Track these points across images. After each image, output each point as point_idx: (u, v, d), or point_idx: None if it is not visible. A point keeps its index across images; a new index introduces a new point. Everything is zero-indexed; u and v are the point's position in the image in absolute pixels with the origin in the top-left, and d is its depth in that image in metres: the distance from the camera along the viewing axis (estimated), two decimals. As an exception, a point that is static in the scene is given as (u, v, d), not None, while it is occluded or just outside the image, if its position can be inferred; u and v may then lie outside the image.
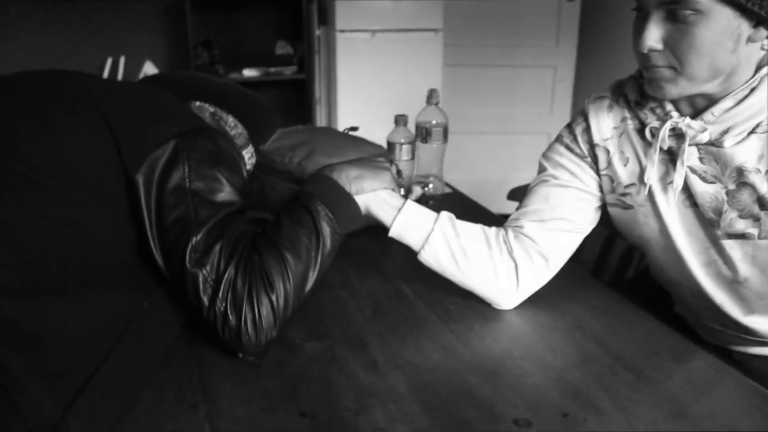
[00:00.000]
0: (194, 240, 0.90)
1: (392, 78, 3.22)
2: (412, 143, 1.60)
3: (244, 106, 1.24)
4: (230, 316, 0.90)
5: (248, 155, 1.23)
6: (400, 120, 1.58)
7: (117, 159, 0.90)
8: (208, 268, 0.90)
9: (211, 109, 1.19)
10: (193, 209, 0.92)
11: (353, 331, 1.04)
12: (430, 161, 1.65)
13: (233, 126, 1.20)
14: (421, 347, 1.00)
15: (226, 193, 0.96)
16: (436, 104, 1.62)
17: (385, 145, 1.54)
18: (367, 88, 3.25)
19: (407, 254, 1.12)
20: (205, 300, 0.90)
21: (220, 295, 0.90)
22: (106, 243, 0.90)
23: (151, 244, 0.91)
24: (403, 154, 1.57)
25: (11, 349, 0.75)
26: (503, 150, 3.82)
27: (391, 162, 1.39)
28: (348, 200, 1.05)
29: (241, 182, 1.00)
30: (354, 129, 1.50)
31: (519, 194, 2.15)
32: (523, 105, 3.82)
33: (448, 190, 1.73)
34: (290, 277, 0.93)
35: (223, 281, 0.90)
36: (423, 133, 1.62)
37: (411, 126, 1.64)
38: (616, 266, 1.56)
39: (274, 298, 0.91)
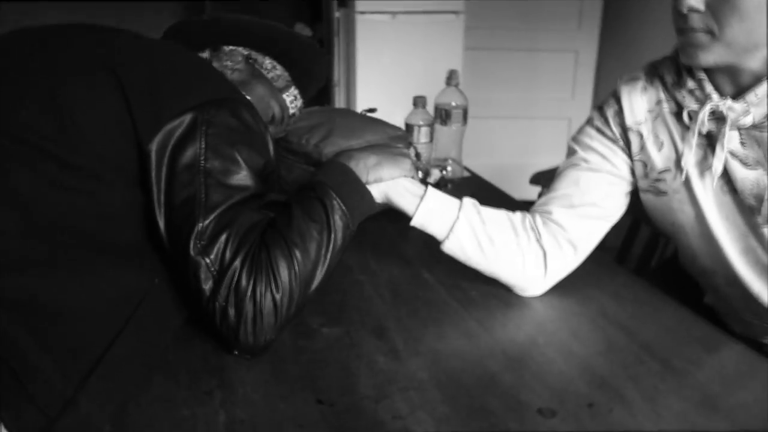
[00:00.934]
0: (200, 225, 0.84)
1: (412, 61, 3.17)
2: (431, 125, 1.57)
3: (283, 45, 1.19)
4: (230, 312, 0.84)
5: (290, 98, 1.20)
6: (419, 102, 1.54)
7: (130, 127, 0.86)
8: (212, 257, 0.84)
9: (245, 52, 1.16)
10: (204, 191, 0.86)
11: (372, 317, 1.01)
12: (448, 144, 1.62)
13: (270, 68, 1.17)
14: (442, 334, 0.97)
15: (242, 176, 0.89)
16: (456, 85, 1.58)
17: (403, 127, 1.51)
18: (387, 71, 3.21)
19: (427, 238, 1.09)
20: (206, 290, 0.84)
21: (222, 288, 0.84)
22: (117, 215, 0.87)
23: (158, 220, 0.87)
24: (421, 136, 1.54)
25: (21, 326, 0.73)
26: (524, 135, 3.77)
27: (410, 145, 1.36)
28: (363, 193, 0.99)
29: (262, 163, 0.93)
30: (372, 111, 1.47)
31: (542, 179, 2.12)
32: (545, 90, 3.77)
33: (466, 173, 1.70)
34: (297, 275, 0.86)
35: (227, 274, 0.83)
36: (442, 115, 1.58)
37: (430, 108, 1.61)
38: (641, 254, 1.53)
39: (278, 296, 0.85)
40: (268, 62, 1.16)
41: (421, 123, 1.54)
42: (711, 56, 0.93)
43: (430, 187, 1.07)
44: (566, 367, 0.90)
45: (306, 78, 1.22)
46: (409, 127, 1.54)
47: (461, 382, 0.86)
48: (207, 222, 0.85)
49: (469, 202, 1.09)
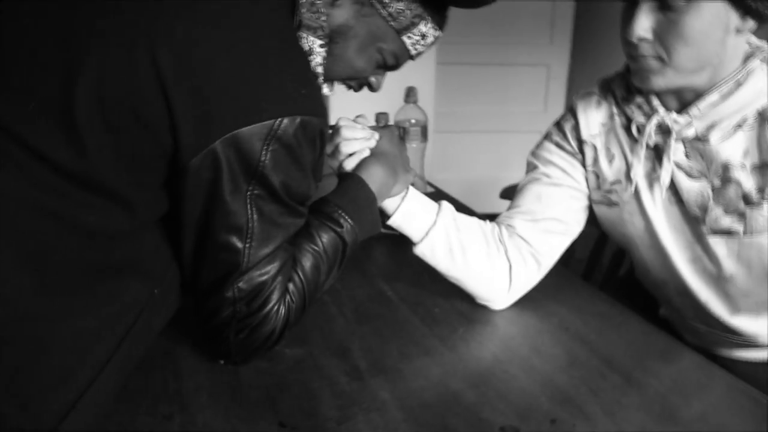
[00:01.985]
0: (243, 266, 0.81)
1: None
2: None
3: None
4: (237, 338, 0.85)
5: (415, 38, 0.97)
6: (381, 118, 1.55)
7: (170, 140, 0.75)
8: (244, 299, 0.82)
9: None
10: (253, 228, 0.80)
11: (335, 337, 1.01)
12: (411, 161, 1.62)
13: (390, 1, 0.93)
14: (404, 352, 0.97)
15: (291, 213, 0.84)
16: (415, 102, 1.59)
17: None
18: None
19: (389, 254, 1.10)
20: (220, 322, 0.84)
21: (241, 325, 0.84)
22: (130, 226, 0.78)
23: (184, 239, 0.81)
24: None
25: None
26: (497, 148, 3.80)
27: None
28: (376, 219, 0.98)
29: (309, 196, 0.86)
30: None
31: (512, 193, 2.12)
32: (517, 103, 3.80)
33: (430, 189, 1.70)
34: (305, 310, 0.89)
35: (254, 317, 0.83)
36: (401, 133, 1.59)
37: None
38: (608, 265, 1.54)
39: (285, 331, 0.87)
40: None
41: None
42: (663, 80, 0.96)
43: (411, 188, 1.07)
44: (528, 384, 0.90)
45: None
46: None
47: (423, 401, 0.86)
48: (251, 266, 0.81)
49: (447, 207, 1.09)
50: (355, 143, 1.01)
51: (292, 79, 0.80)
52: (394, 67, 1.02)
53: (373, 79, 1.03)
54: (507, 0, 3.56)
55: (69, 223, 0.72)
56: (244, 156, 0.76)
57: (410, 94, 1.59)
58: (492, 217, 1.17)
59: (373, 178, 0.98)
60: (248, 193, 0.78)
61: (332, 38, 0.93)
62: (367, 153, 1.02)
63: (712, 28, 0.91)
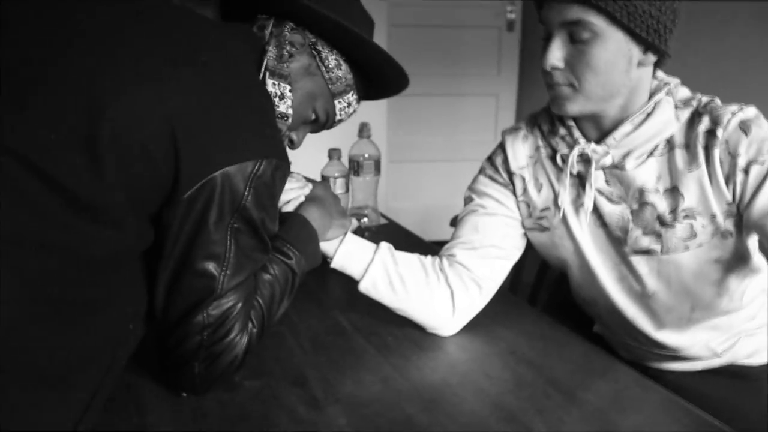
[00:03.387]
0: (217, 293, 0.87)
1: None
2: (346, 176, 1.63)
3: (359, 54, 1.06)
4: (200, 369, 0.90)
5: (344, 104, 1.10)
6: (333, 154, 1.61)
7: (172, 175, 0.82)
8: (212, 326, 0.88)
9: (312, 39, 1.04)
10: (230, 258, 0.87)
11: (293, 367, 1.05)
12: (364, 193, 1.68)
13: (333, 66, 1.06)
14: (360, 380, 1.01)
15: (261, 248, 0.93)
16: (368, 137, 1.66)
17: (319, 179, 1.56)
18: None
19: (344, 286, 1.15)
20: (188, 350, 0.88)
21: (205, 353, 0.89)
22: (114, 256, 0.83)
23: (159, 268, 0.87)
24: (337, 187, 1.60)
25: None
26: (449, 177, 3.87)
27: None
28: (317, 252, 1.08)
29: (274, 232, 0.97)
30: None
31: (461, 221, 2.20)
32: (468, 132, 3.90)
33: (383, 221, 1.76)
34: (262, 336, 0.95)
35: (219, 345, 0.89)
36: (355, 167, 1.65)
37: (345, 160, 1.67)
38: (551, 288, 1.61)
39: (245, 358, 0.93)
40: (332, 59, 1.05)
41: (336, 174, 1.61)
42: (575, 106, 1.04)
43: (348, 232, 1.15)
44: (478, 406, 0.95)
45: (374, 91, 1.14)
46: (325, 179, 1.60)
47: (379, 425, 0.90)
48: (223, 293, 0.87)
49: (384, 245, 1.17)
50: (291, 192, 1.12)
51: (267, 125, 0.93)
52: (323, 126, 1.14)
53: (294, 136, 1.13)
54: (455, 31, 3.71)
55: (70, 256, 0.77)
56: (231, 192, 0.85)
57: (364, 130, 1.66)
58: (445, 244, 1.23)
59: (312, 216, 1.08)
60: (229, 225, 0.87)
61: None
62: (302, 199, 1.13)
63: (617, 59, 1.00)
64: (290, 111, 1.05)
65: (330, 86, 1.07)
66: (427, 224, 3.74)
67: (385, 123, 3.48)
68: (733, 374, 1.21)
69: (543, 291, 1.64)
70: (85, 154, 0.77)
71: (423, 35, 3.69)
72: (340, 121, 1.14)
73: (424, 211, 3.84)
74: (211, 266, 0.86)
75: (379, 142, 3.59)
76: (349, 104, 1.11)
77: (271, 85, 1.02)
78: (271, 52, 1.03)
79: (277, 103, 1.03)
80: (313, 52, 1.05)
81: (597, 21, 0.97)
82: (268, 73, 1.02)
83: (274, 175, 0.89)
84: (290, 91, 1.04)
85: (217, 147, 0.84)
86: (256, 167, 0.86)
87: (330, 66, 1.06)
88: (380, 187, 1.72)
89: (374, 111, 3.44)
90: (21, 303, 0.73)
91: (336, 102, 1.09)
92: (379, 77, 1.11)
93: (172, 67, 0.84)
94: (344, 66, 1.07)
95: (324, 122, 1.13)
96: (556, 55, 1.01)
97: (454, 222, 2.17)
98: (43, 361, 0.75)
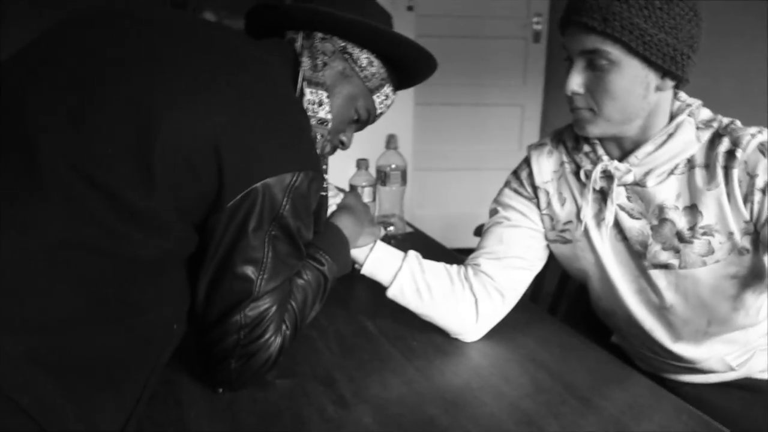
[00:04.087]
0: (255, 295, 0.93)
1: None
2: (373, 186, 1.69)
3: (385, 46, 1.11)
4: (237, 365, 0.95)
5: (381, 98, 1.16)
6: (361, 164, 1.67)
7: (216, 187, 0.88)
8: (249, 325, 0.93)
9: (341, 43, 1.10)
10: (268, 263, 0.93)
11: (322, 368, 1.10)
12: (391, 202, 1.74)
13: (366, 65, 1.11)
14: (385, 382, 1.07)
15: (298, 255, 0.99)
16: (395, 149, 1.71)
17: (347, 188, 1.62)
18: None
19: (371, 292, 1.20)
20: (225, 347, 0.94)
21: (243, 352, 0.95)
22: (163, 261, 0.89)
23: (201, 272, 0.93)
24: (364, 196, 1.66)
25: (59, 391, 0.76)
26: (473, 185, 3.91)
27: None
28: (348, 259, 1.14)
29: (309, 239, 1.02)
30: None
31: (484, 231, 2.24)
32: (493, 142, 3.93)
33: (409, 229, 1.81)
34: (295, 338, 1.01)
35: (255, 344, 0.94)
36: (382, 177, 1.71)
37: (372, 170, 1.73)
38: (571, 298, 1.65)
39: (280, 358, 0.98)
40: (364, 58, 1.10)
41: (363, 184, 1.66)
42: (596, 129, 1.10)
43: (378, 240, 1.21)
44: (497, 409, 1.00)
45: (406, 79, 1.19)
46: (353, 188, 1.66)
47: (402, 425, 0.95)
48: (260, 296, 0.93)
49: (412, 254, 1.22)
50: None
51: (304, 139, 0.98)
52: (366, 122, 1.18)
53: (344, 138, 1.18)
54: (482, 42, 3.75)
55: (122, 261, 0.83)
56: (271, 201, 0.90)
57: (391, 141, 1.71)
58: (469, 252, 1.28)
59: (344, 224, 1.16)
60: (268, 233, 0.92)
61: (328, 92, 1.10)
62: (334, 208, 1.19)
63: (633, 86, 1.05)
64: (329, 116, 1.09)
65: (367, 84, 1.13)
66: (451, 232, 3.78)
67: (411, 132, 3.53)
68: (748, 388, 1.24)
69: (563, 301, 1.68)
70: (139, 167, 0.83)
71: (450, 46, 3.73)
72: (381, 114, 1.19)
73: (449, 219, 3.89)
74: (250, 270, 0.92)
75: (404, 151, 3.63)
76: (387, 96, 1.17)
77: (309, 94, 1.07)
78: (306, 63, 1.08)
79: (316, 110, 1.08)
80: (345, 55, 1.10)
81: (614, 50, 1.02)
82: (305, 83, 1.07)
83: (310, 187, 0.94)
84: (327, 97, 1.09)
85: (257, 160, 0.90)
86: (294, 179, 0.91)
87: (363, 65, 1.11)
88: (406, 195, 1.78)
89: (400, 120, 3.49)
90: (78, 304, 0.80)
91: (374, 97, 1.15)
92: (408, 65, 1.16)
93: (215, 85, 0.89)
94: (376, 62, 1.12)
95: (366, 119, 1.18)
96: (577, 81, 1.06)
97: (479, 232, 2.21)
98: (95, 360, 0.81)
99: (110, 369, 0.83)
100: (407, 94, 3.46)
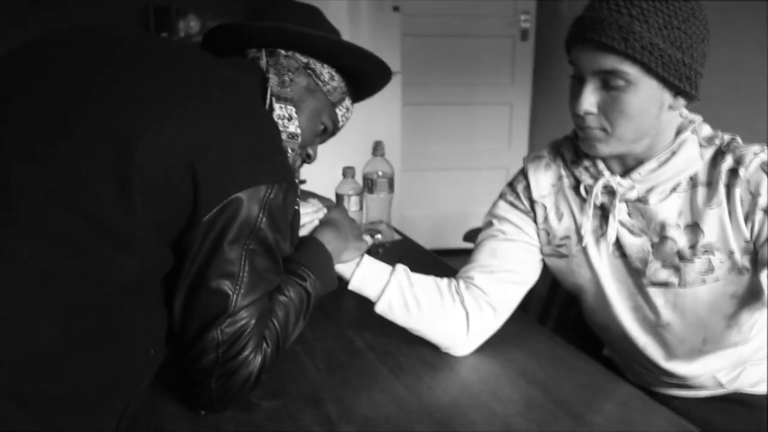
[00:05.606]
0: (231, 310, 0.90)
1: (351, 124, 3.24)
2: (360, 194, 1.66)
3: (348, 60, 1.13)
4: (217, 385, 0.92)
5: (343, 111, 1.18)
6: (347, 172, 1.64)
7: (191, 202, 0.88)
8: (227, 342, 0.91)
9: (303, 60, 1.12)
10: (243, 276, 0.91)
11: (308, 387, 1.08)
12: (378, 210, 1.71)
13: (328, 79, 1.14)
14: (373, 401, 1.04)
15: (275, 269, 0.97)
16: (382, 155, 1.68)
17: (333, 197, 1.59)
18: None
19: (360, 305, 1.18)
20: (204, 365, 0.91)
21: (222, 370, 0.92)
22: (137, 281, 0.87)
23: (177, 288, 0.91)
24: (351, 205, 1.63)
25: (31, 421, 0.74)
26: (463, 185, 3.90)
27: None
28: (332, 275, 1.12)
29: (288, 252, 1.02)
30: (302, 182, 1.55)
31: (474, 236, 2.22)
32: (482, 141, 3.92)
33: (397, 236, 1.79)
34: (278, 356, 0.98)
35: (234, 361, 0.91)
36: (369, 184, 1.68)
37: (359, 178, 1.71)
38: (561, 306, 1.63)
39: (262, 376, 0.95)
40: (326, 73, 1.13)
41: (350, 192, 1.64)
42: (607, 148, 1.07)
43: (365, 255, 1.19)
44: (487, 428, 0.97)
45: (362, 90, 1.22)
46: (339, 197, 1.63)
47: (391, 447, 0.93)
48: (236, 311, 0.91)
49: (400, 267, 1.19)
50: (306, 216, 1.16)
51: (277, 152, 0.98)
52: (330, 135, 1.22)
53: (310, 151, 1.19)
54: (469, 41, 3.73)
55: (100, 285, 0.82)
56: (247, 214, 0.90)
57: (377, 148, 1.68)
58: (460, 253, 1.26)
59: (326, 239, 1.13)
60: (245, 246, 0.91)
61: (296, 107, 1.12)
62: (317, 223, 1.17)
63: (649, 105, 1.02)
64: (299, 130, 1.11)
65: (330, 98, 1.15)
66: (442, 232, 3.77)
67: (399, 133, 3.51)
68: (738, 402, 1.24)
69: (555, 306, 1.66)
70: (116, 187, 0.82)
71: (437, 45, 3.72)
72: (342, 126, 1.22)
73: (440, 220, 3.87)
74: (226, 284, 0.90)
75: (393, 152, 3.61)
76: (348, 109, 1.20)
77: (278, 109, 1.09)
78: (273, 80, 1.10)
79: (286, 125, 1.10)
80: (308, 71, 1.12)
81: (632, 71, 0.99)
82: (274, 99, 1.09)
83: (285, 198, 0.94)
84: (296, 112, 1.11)
85: (232, 174, 0.89)
86: (269, 190, 0.91)
87: (326, 80, 1.13)
88: (395, 196, 1.75)
89: (389, 121, 3.47)
90: (52, 333, 0.78)
91: (337, 110, 1.17)
92: (367, 76, 1.19)
93: (189, 103, 0.90)
94: (336, 76, 1.15)
95: (332, 131, 1.20)
96: (590, 100, 1.03)
97: (469, 237, 2.20)
98: (73, 389, 0.79)
99: (87, 399, 0.81)
100: (395, 95, 3.45)
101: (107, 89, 0.88)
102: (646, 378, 1.27)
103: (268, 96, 1.09)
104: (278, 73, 1.10)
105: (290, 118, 1.10)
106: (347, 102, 1.19)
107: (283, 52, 1.11)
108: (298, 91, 1.12)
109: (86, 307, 0.81)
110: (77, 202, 0.80)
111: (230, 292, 0.90)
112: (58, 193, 0.80)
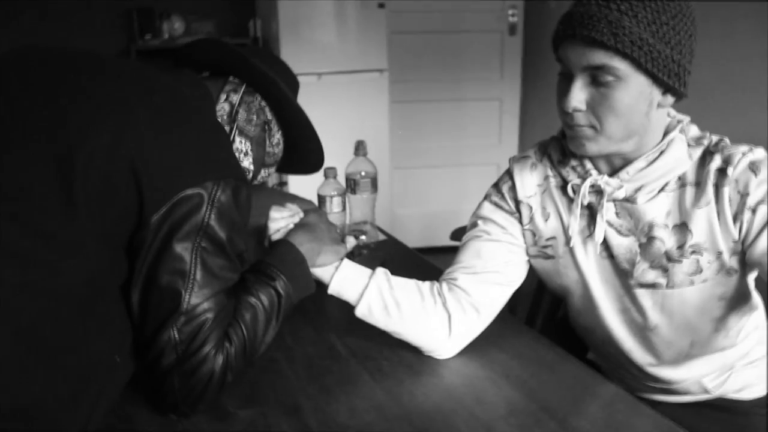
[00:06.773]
0: (184, 308, 0.90)
1: (338, 123, 3.22)
2: (343, 195, 1.63)
3: (298, 131, 1.18)
4: (180, 384, 0.92)
5: (264, 175, 1.21)
6: (329, 173, 1.60)
7: (136, 200, 0.88)
8: (185, 339, 0.91)
9: (269, 117, 1.16)
10: (195, 273, 0.91)
11: (286, 395, 1.05)
12: (362, 211, 1.68)
13: (275, 143, 1.18)
14: (353, 409, 1.02)
15: (230, 266, 0.96)
16: (365, 155, 1.65)
17: (315, 199, 1.56)
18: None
19: (342, 308, 1.16)
20: (165, 365, 0.91)
21: (184, 367, 0.91)
22: (92, 286, 0.86)
23: (132, 288, 0.91)
24: (334, 206, 1.60)
25: None
26: (454, 182, 3.87)
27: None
28: (308, 278, 1.11)
29: (242, 249, 1.00)
30: (282, 184, 1.52)
31: (460, 235, 2.19)
32: (472, 137, 3.89)
33: (382, 237, 1.76)
34: (246, 356, 0.98)
35: (194, 357, 0.91)
36: (352, 185, 1.65)
37: (341, 178, 1.67)
38: (548, 308, 1.61)
39: (228, 375, 0.95)
40: (276, 138, 1.18)
41: (333, 194, 1.60)
42: (596, 147, 1.05)
43: (345, 259, 1.16)
44: (469, 433, 0.95)
45: (287, 167, 1.27)
46: (322, 198, 1.60)
47: (370, 455, 0.90)
48: (191, 308, 0.91)
49: (380, 270, 1.17)
50: (281, 221, 1.16)
51: (222, 149, 1.00)
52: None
53: None
54: (456, 36, 3.70)
55: (53, 295, 0.82)
56: (194, 213, 0.91)
57: (359, 148, 1.65)
58: (451, 250, 1.24)
59: (298, 241, 1.12)
60: (195, 244, 0.91)
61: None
62: (291, 227, 1.15)
63: (638, 102, 1.00)
64: (252, 167, 1.15)
65: (266, 158, 1.19)
66: (433, 230, 3.74)
67: (388, 130, 3.49)
68: (722, 408, 1.22)
69: (542, 305, 1.64)
70: (59, 196, 0.83)
71: (424, 41, 3.69)
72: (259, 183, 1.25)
73: (430, 217, 3.85)
74: (176, 282, 0.90)
75: (382, 150, 3.58)
76: (269, 174, 1.24)
77: (238, 143, 1.12)
78: (242, 114, 1.13)
79: (242, 159, 1.13)
80: (266, 129, 1.17)
81: (621, 66, 0.98)
82: (237, 131, 1.12)
83: (235, 195, 0.95)
84: (251, 150, 1.14)
85: (177, 173, 0.91)
86: (215, 188, 0.92)
87: (274, 143, 1.18)
88: (385, 194, 1.72)
89: (377, 118, 3.45)
90: (6, 345, 0.77)
91: (262, 170, 1.20)
92: (303, 158, 1.24)
93: (127, 107, 0.92)
94: (281, 146, 1.20)
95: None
96: (579, 97, 1.01)
97: (455, 236, 2.17)
98: (30, 400, 0.78)
99: (46, 410, 0.80)
100: (382, 93, 3.42)
101: (47, 102, 0.90)
102: (630, 383, 1.24)
103: (234, 126, 1.12)
104: (248, 111, 1.14)
105: (246, 154, 1.14)
106: (272, 170, 1.22)
107: (260, 100, 1.15)
108: (255, 135, 1.15)
109: (38, 316, 0.80)
110: (20, 212, 0.81)
111: (182, 290, 0.90)
112: (2, 204, 0.80)
